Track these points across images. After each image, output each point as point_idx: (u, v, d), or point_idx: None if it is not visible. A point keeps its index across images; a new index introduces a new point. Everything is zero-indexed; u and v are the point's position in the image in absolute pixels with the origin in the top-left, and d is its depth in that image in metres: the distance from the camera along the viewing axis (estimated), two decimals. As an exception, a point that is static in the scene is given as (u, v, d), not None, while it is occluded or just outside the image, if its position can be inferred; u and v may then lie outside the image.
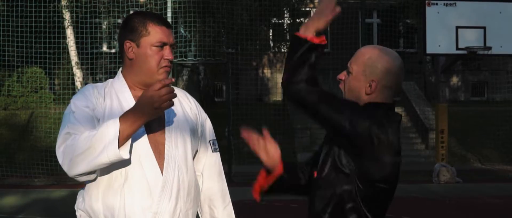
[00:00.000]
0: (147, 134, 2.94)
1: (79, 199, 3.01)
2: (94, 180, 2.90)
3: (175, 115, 3.07)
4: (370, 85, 2.85)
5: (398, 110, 19.11)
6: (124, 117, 2.79)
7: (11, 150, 18.39)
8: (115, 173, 2.89)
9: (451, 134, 18.43)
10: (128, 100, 2.97)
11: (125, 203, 2.88)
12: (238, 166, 17.04)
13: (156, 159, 2.94)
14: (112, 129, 2.75)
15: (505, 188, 14.79)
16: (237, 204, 13.23)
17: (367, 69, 2.86)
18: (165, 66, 2.99)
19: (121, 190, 2.89)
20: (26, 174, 16.22)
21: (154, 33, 2.97)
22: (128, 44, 2.98)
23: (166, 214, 2.94)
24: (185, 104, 3.18)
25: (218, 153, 3.31)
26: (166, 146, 2.98)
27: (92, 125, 2.88)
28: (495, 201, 12.88)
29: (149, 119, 2.83)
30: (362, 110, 2.81)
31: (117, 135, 2.74)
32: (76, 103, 2.95)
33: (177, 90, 3.02)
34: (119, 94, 3.00)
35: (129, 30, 3.00)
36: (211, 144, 3.27)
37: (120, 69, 3.09)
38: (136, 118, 2.79)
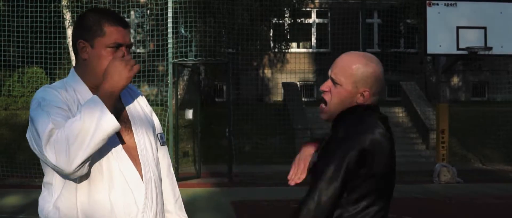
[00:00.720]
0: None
1: (49, 208, 2.83)
2: (76, 184, 2.77)
3: (137, 114, 2.99)
4: (362, 95, 2.86)
5: (398, 109, 19.16)
6: (100, 91, 2.70)
7: (12, 150, 18.39)
8: (98, 180, 2.79)
9: (451, 134, 18.42)
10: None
11: (112, 212, 2.79)
12: (238, 166, 17.03)
13: (134, 164, 2.86)
14: (94, 103, 2.64)
15: (506, 188, 14.79)
16: (238, 204, 13.23)
17: (358, 80, 2.85)
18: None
19: (107, 200, 2.79)
20: (26, 174, 16.21)
21: (109, 34, 2.82)
22: (81, 44, 2.84)
23: None
24: (141, 102, 3.08)
25: (166, 146, 3.21)
26: (138, 150, 2.91)
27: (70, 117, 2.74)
28: (496, 201, 12.88)
29: (122, 87, 2.73)
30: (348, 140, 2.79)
31: (103, 106, 2.64)
32: (47, 99, 2.78)
33: (130, 86, 2.98)
34: (80, 96, 2.86)
35: (83, 28, 2.85)
36: (159, 137, 3.12)
37: (73, 68, 2.96)
38: (111, 89, 2.70)
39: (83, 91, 2.87)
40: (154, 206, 2.91)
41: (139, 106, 3.04)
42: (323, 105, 2.95)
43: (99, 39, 2.82)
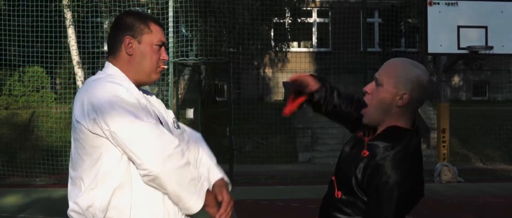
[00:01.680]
0: None
1: (83, 203, 2.85)
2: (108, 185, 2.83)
3: (161, 116, 3.06)
4: (401, 98, 2.85)
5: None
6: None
7: (13, 149, 18.41)
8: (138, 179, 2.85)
9: (452, 134, 18.43)
10: (141, 101, 2.93)
11: (164, 201, 2.90)
12: (239, 166, 17.04)
13: None
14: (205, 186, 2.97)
15: (506, 187, 14.78)
16: (239, 204, 13.20)
17: (399, 81, 2.86)
18: (162, 67, 3.04)
19: (160, 199, 2.90)
20: (27, 173, 16.22)
21: (156, 32, 3.01)
22: (128, 39, 2.97)
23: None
24: (158, 104, 3.18)
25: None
26: None
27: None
28: (497, 200, 12.88)
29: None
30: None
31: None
32: (123, 97, 2.84)
33: (144, 90, 3.09)
34: (133, 92, 2.93)
35: (127, 26, 2.99)
36: (176, 124, 3.21)
37: (113, 65, 3.01)
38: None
39: (132, 87, 2.95)
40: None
41: (161, 108, 3.15)
42: (364, 109, 2.95)
43: (146, 36, 2.99)
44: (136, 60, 2.98)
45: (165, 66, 3.05)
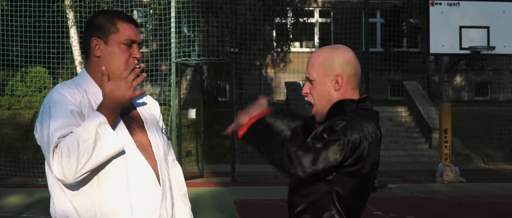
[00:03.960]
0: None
1: (64, 208, 2.84)
2: (85, 185, 2.79)
3: (147, 113, 3.04)
4: (336, 81, 2.87)
5: (401, 109, 19.13)
6: (103, 107, 2.76)
7: (15, 150, 18.43)
8: (115, 179, 2.81)
9: (454, 134, 18.42)
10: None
11: (132, 211, 2.83)
12: (241, 166, 17.04)
13: (149, 162, 2.90)
14: (97, 120, 2.71)
15: (508, 187, 14.78)
16: (241, 203, 13.20)
17: (327, 68, 2.87)
18: (134, 67, 2.85)
19: (126, 198, 2.82)
20: (30, 174, 16.25)
21: (123, 30, 2.90)
22: (95, 41, 2.89)
23: (166, 215, 2.95)
24: (146, 100, 3.14)
25: (169, 141, 3.24)
26: (153, 147, 2.95)
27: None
28: (499, 200, 12.88)
29: (121, 108, 2.81)
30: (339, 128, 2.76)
31: (108, 127, 2.72)
32: (59, 101, 2.82)
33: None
34: (93, 96, 2.90)
35: (96, 27, 2.91)
36: (164, 132, 3.17)
37: (84, 68, 2.99)
38: (111, 109, 2.77)
39: (94, 91, 2.91)
40: (168, 201, 2.97)
41: (147, 105, 3.10)
42: (313, 111, 2.96)
43: (113, 36, 2.89)
44: (104, 62, 2.88)
45: (137, 65, 2.88)
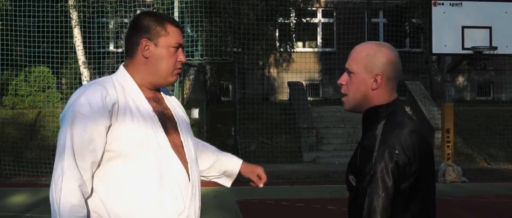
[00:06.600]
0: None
1: (92, 202, 2.88)
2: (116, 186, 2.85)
3: (179, 116, 3.11)
4: (375, 80, 2.84)
5: (403, 109, 18.92)
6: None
7: (19, 149, 18.47)
8: (147, 176, 2.86)
9: (457, 134, 18.44)
10: (142, 102, 2.94)
11: (161, 209, 2.87)
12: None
13: (181, 163, 2.95)
14: None
15: (511, 187, 14.78)
16: (244, 203, 13.22)
17: (368, 65, 2.85)
18: (179, 69, 3.02)
19: (156, 196, 2.86)
20: (33, 173, 16.29)
21: (173, 34, 2.97)
22: (145, 42, 2.95)
23: (193, 216, 2.99)
24: (177, 104, 3.20)
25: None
26: (185, 148, 3.01)
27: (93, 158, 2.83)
28: (501, 200, 12.89)
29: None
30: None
31: None
32: (84, 112, 2.83)
33: (164, 91, 3.13)
34: (132, 94, 2.94)
35: (145, 29, 2.96)
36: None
37: (122, 66, 3.04)
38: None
39: (132, 87, 2.96)
40: (197, 202, 3.02)
41: (179, 109, 3.17)
42: (343, 98, 2.95)
43: (163, 38, 2.96)
44: (152, 63, 2.96)
45: (181, 68, 3.02)
